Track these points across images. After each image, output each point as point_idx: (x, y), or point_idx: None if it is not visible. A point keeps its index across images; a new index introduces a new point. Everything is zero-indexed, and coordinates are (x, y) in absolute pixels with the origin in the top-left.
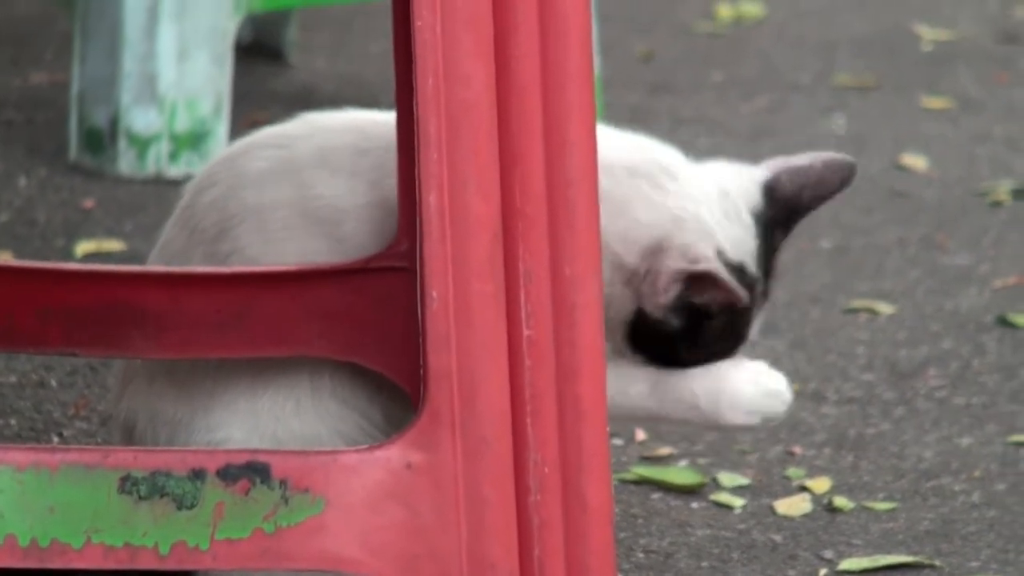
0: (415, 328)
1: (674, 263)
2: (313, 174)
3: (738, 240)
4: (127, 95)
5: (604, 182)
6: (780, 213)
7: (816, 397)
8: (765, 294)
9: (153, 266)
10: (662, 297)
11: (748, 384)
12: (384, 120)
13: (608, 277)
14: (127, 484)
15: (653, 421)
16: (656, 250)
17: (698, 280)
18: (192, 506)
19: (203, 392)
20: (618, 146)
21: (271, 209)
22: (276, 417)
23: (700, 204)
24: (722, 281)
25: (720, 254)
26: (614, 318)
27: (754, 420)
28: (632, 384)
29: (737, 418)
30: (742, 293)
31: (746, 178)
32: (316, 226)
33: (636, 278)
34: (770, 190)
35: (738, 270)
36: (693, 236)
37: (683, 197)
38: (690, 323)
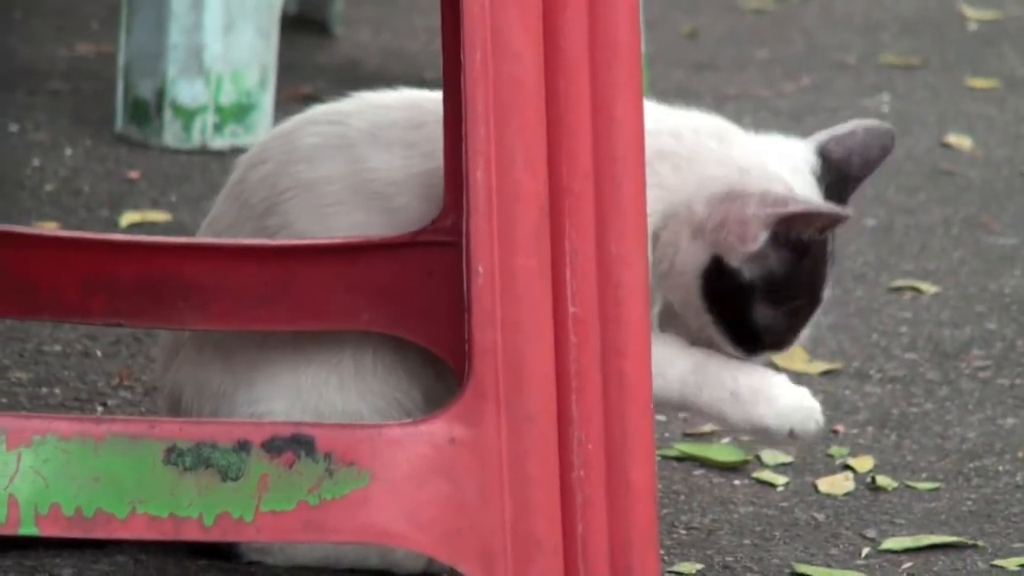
0: (460, 303)
1: (759, 209)
2: (366, 149)
3: (804, 188)
4: (173, 67)
5: (671, 142)
6: (833, 178)
7: (859, 376)
8: (833, 255)
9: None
10: (750, 244)
11: (789, 393)
12: (438, 97)
13: (673, 233)
14: (172, 455)
15: (684, 408)
16: (729, 198)
17: (791, 219)
18: (237, 478)
19: (248, 365)
20: (678, 113)
21: (323, 183)
22: (318, 392)
23: (765, 156)
24: (814, 209)
25: (789, 189)
26: (686, 273)
27: (784, 427)
28: (672, 365)
29: (768, 418)
30: (839, 208)
31: (799, 144)
32: (368, 199)
33: (704, 229)
34: (823, 154)
35: None
36: (765, 182)
37: (748, 151)
38: (769, 272)
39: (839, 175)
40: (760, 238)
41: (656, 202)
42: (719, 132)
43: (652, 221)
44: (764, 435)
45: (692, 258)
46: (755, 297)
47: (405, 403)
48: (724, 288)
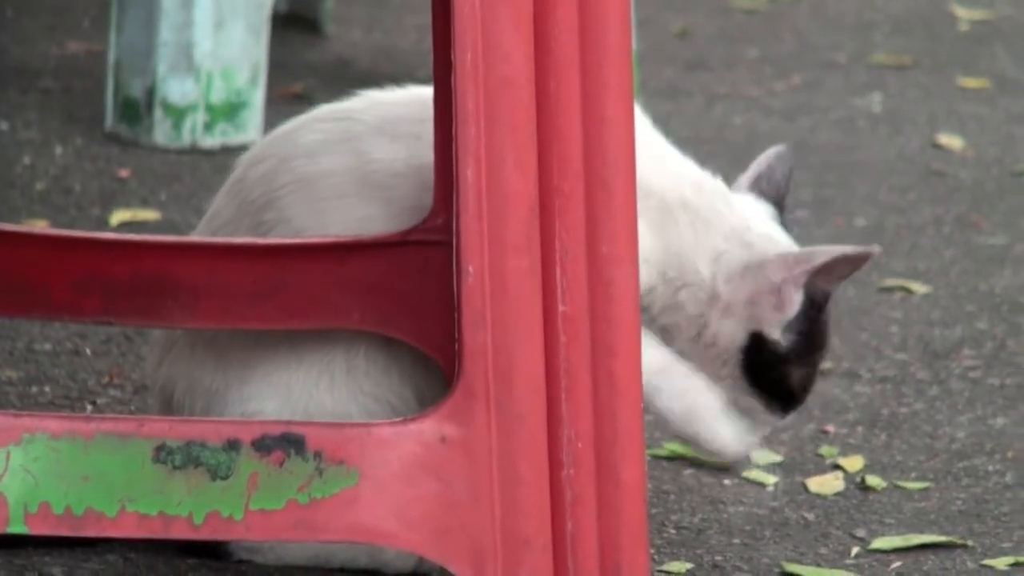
0: (451, 302)
1: (788, 272)
2: (372, 141)
3: (784, 235)
4: (163, 65)
5: (691, 195)
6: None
7: (850, 376)
8: None
9: (192, 236)
10: (789, 309)
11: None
12: None
13: (695, 300)
14: (162, 454)
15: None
16: (749, 272)
17: (819, 273)
18: (226, 476)
19: (240, 363)
20: (689, 163)
21: (323, 177)
22: (309, 392)
23: (752, 216)
24: (840, 255)
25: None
26: (717, 347)
27: (717, 451)
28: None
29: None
30: (863, 248)
31: (747, 197)
32: (370, 191)
33: (734, 306)
34: (763, 193)
35: None
36: (769, 246)
37: (741, 214)
38: (800, 333)
39: (779, 207)
40: (797, 300)
41: (671, 243)
42: (721, 192)
43: (660, 259)
44: (695, 447)
45: (727, 336)
46: (791, 362)
47: (396, 404)
48: (763, 360)
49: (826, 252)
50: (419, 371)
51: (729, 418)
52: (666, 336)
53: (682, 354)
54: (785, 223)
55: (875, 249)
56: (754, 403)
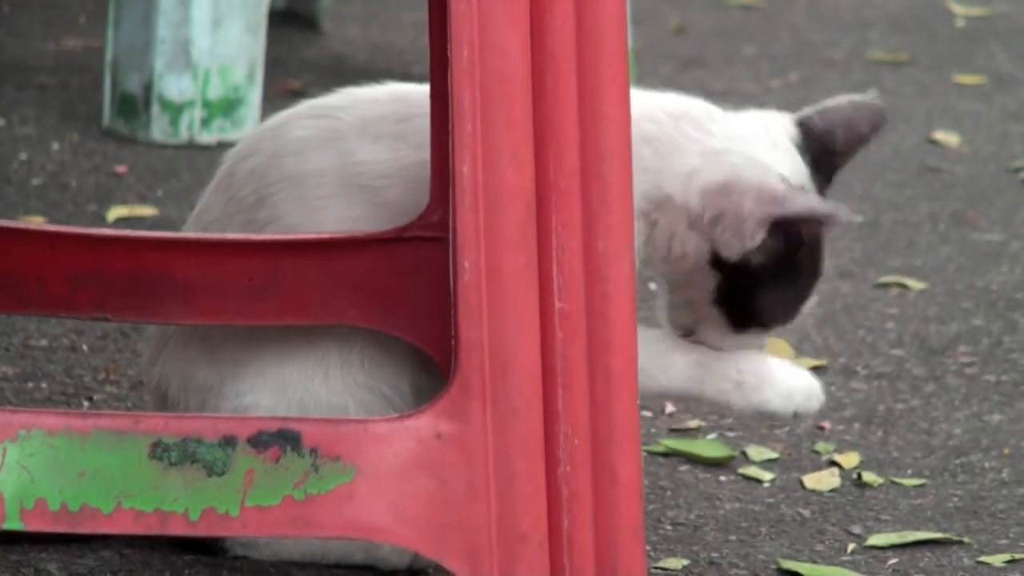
0: (447, 298)
1: (757, 208)
2: (356, 142)
3: (791, 167)
4: (161, 61)
5: (650, 127)
6: (817, 152)
7: (846, 372)
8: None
9: (186, 232)
10: (748, 242)
11: (792, 375)
12: (424, 90)
13: (668, 219)
14: (158, 450)
15: (689, 399)
16: (724, 192)
17: (787, 221)
18: (223, 473)
19: (233, 358)
20: (656, 97)
21: (312, 176)
22: (304, 386)
23: (747, 140)
24: (811, 212)
25: (784, 181)
26: (688, 258)
27: (788, 408)
28: (675, 361)
29: (773, 403)
30: (837, 210)
31: (779, 117)
32: (358, 192)
33: (700, 221)
34: (804, 126)
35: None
36: (760, 174)
37: (729, 136)
38: (775, 258)
39: (823, 149)
40: (758, 236)
41: (639, 183)
42: (696, 117)
43: (637, 202)
44: (769, 418)
45: (692, 247)
46: (758, 284)
47: (392, 396)
48: (729, 273)
49: (799, 205)
50: (415, 363)
51: (784, 370)
52: (650, 269)
53: (662, 276)
54: (828, 166)
55: (847, 213)
56: (717, 316)
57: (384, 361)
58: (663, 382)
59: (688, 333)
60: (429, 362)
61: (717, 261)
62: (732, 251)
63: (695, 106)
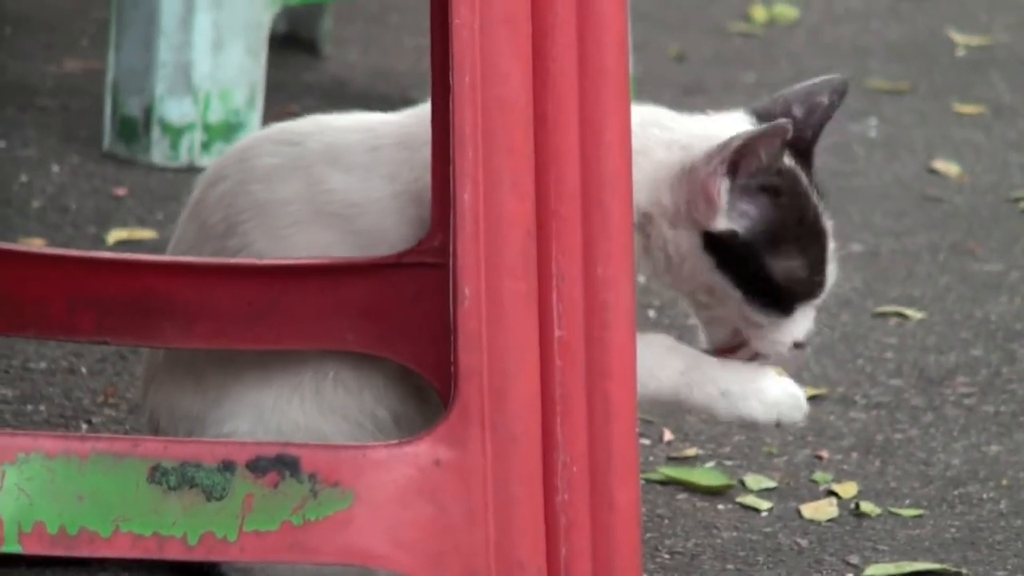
0: (446, 324)
1: (707, 167)
2: (324, 170)
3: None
4: (161, 85)
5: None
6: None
7: (844, 401)
8: (821, 195)
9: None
10: (718, 202)
11: (776, 385)
12: (391, 120)
13: (657, 229)
14: (157, 474)
15: (676, 407)
16: (682, 174)
17: (737, 157)
18: (221, 497)
19: (216, 385)
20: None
21: (280, 204)
22: (281, 410)
23: (706, 130)
24: (751, 134)
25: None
26: (686, 258)
27: (771, 416)
28: (664, 366)
29: (757, 412)
30: (774, 122)
31: (735, 113)
32: (329, 220)
33: (678, 214)
34: (757, 113)
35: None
36: (704, 145)
37: (689, 130)
38: (761, 218)
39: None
40: (723, 191)
41: None
42: (658, 119)
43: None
44: (752, 427)
45: (684, 244)
46: (761, 252)
47: (367, 425)
48: (731, 255)
49: (737, 138)
50: (395, 392)
51: (770, 379)
52: (661, 283)
53: (678, 293)
54: (800, 146)
55: (783, 122)
56: (752, 308)
57: (361, 388)
58: (651, 387)
59: (734, 348)
60: (412, 391)
61: (710, 243)
62: (713, 221)
63: (656, 110)
